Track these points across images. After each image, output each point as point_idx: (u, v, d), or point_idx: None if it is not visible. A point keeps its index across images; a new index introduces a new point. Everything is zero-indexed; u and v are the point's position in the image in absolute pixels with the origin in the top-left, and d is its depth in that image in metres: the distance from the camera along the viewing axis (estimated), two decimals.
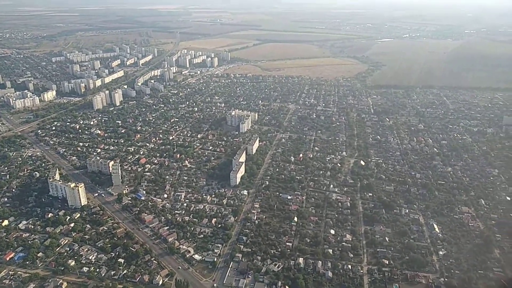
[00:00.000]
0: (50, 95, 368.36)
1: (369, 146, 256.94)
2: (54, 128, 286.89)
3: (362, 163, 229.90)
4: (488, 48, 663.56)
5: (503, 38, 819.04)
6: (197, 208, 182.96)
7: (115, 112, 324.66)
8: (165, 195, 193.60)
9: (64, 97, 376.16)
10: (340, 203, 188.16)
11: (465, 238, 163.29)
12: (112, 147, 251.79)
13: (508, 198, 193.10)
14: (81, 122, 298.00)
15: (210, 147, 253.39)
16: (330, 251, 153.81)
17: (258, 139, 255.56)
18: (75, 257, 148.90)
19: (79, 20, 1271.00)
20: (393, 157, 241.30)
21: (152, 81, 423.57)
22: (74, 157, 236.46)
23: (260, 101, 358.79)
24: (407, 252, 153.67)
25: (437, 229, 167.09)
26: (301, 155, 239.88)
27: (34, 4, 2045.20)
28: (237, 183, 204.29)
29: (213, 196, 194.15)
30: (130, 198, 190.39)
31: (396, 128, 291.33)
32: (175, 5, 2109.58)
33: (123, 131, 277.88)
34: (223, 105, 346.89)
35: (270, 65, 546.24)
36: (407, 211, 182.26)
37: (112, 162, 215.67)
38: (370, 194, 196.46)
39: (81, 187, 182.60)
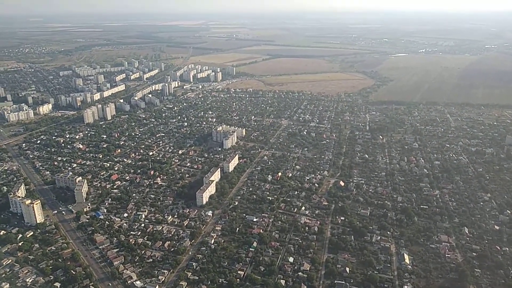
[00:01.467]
0: (45, 109, 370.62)
1: (354, 165, 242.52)
2: (39, 141, 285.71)
3: (342, 183, 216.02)
4: (506, 64, 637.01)
5: None
6: (154, 229, 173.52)
7: (104, 126, 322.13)
8: (125, 214, 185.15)
9: (60, 110, 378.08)
10: (307, 227, 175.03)
11: (437, 272, 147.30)
12: (89, 162, 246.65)
13: (497, 227, 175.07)
14: (67, 136, 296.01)
15: (188, 164, 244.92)
16: (283, 282, 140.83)
17: (237, 156, 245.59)
18: (11, 280, 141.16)
19: (100, 35, 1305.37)
20: (377, 177, 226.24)
21: (150, 95, 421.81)
22: (48, 172, 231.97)
23: (253, 117, 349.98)
24: (368, 285, 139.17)
25: (407, 260, 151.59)
26: (279, 174, 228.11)
27: (63, 21, 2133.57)
28: (204, 203, 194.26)
29: (175, 216, 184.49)
30: (88, 217, 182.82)
31: (389, 146, 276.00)
32: (196, 21, 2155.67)
33: (104, 145, 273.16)
34: (214, 120, 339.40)
35: (275, 80, 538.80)
36: (379, 238, 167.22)
37: (79, 178, 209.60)
38: (343, 218, 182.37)
39: (36, 204, 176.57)
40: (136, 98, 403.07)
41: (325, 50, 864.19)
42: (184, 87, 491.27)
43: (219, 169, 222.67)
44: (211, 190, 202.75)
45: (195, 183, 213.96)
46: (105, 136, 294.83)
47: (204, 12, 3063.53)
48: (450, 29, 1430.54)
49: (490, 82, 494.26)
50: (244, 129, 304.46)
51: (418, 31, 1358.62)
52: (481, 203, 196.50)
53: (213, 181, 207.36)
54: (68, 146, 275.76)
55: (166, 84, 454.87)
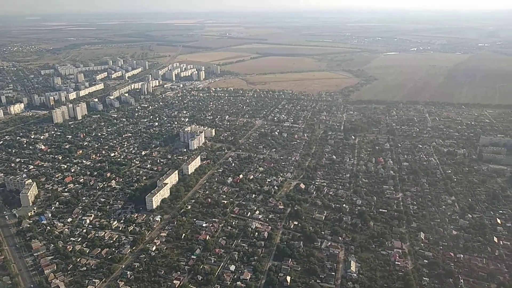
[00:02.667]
0: (17, 108, 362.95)
1: (320, 167, 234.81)
2: (1, 142, 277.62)
3: (302, 186, 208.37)
4: (494, 63, 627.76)
5: None
6: (96, 235, 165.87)
7: (72, 126, 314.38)
8: (70, 219, 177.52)
9: (33, 110, 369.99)
10: (257, 233, 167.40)
11: (383, 280, 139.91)
12: (47, 164, 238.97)
13: (455, 232, 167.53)
14: (32, 137, 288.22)
15: (148, 166, 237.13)
16: None
17: (199, 157, 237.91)
18: None
19: (93, 34, 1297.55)
20: (340, 180, 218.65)
21: (127, 94, 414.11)
22: (2, 174, 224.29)
23: (228, 116, 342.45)
24: None
25: (353, 268, 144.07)
26: (240, 176, 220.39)
27: (60, 19, 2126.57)
28: (154, 207, 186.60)
29: (121, 221, 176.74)
30: (31, 222, 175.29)
31: (359, 147, 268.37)
32: (193, 20, 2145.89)
33: (67, 146, 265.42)
34: (187, 120, 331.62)
35: (258, 78, 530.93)
36: (329, 244, 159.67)
37: (28, 181, 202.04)
38: (296, 223, 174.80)
39: None
40: (112, 97, 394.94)
41: (316, 49, 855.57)
42: (165, 86, 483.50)
43: (176, 172, 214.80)
44: (164, 193, 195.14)
45: (150, 186, 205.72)
46: (70, 137, 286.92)
47: (204, 11, 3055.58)
48: (446, 27, 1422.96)
49: (476, 81, 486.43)
50: (214, 129, 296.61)
51: (414, 30, 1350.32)
52: (444, 206, 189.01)
53: (167, 184, 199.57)
54: (30, 147, 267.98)
55: (144, 83, 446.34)
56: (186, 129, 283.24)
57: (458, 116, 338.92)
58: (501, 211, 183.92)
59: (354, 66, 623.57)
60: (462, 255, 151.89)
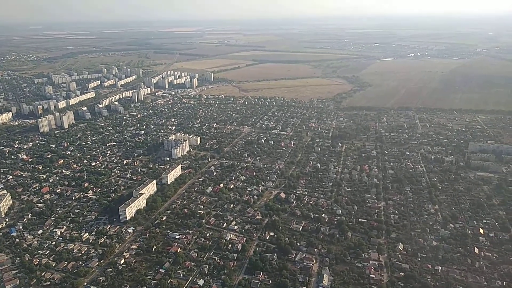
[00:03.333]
0: (5, 117, 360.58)
1: (303, 175, 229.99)
2: None
3: (283, 195, 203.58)
4: (490, 68, 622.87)
5: None
6: (65, 248, 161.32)
7: (58, 135, 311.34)
8: (40, 231, 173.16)
9: (21, 119, 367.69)
10: (231, 245, 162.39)
11: None
12: (26, 174, 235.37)
13: (435, 243, 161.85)
14: (15, 146, 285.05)
15: (128, 175, 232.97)
16: None
17: (180, 166, 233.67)
18: None
19: (92, 42, 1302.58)
20: (322, 188, 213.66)
21: (116, 102, 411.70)
22: None
23: (216, 124, 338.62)
24: None
25: (325, 281, 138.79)
26: (221, 185, 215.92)
27: (62, 28, 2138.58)
28: (128, 218, 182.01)
29: (92, 233, 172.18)
30: (0, 234, 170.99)
31: (345, 154, 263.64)
32: (193, 28, 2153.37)
33: (49, 156, 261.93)
34: (174, 128, 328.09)
35: (251, 85, 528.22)
36: (304, 256, 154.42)
37: (2, 192, 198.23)
38: (272, 234, 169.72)
39: None
40: (101, 105, 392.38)
41: (313, 55, 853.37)
42: (156, 93, 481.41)
43: (154, 181, 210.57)
44: (140, 204, 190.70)
45: (127, 197, 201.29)
46: (54, 146, 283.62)
47: (206, 19, 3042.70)
48: (446, 33, 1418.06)
49: (470, 86, 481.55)
50: (199, 137, 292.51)
51: (413, 36, 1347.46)
52: (426, 216, 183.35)
53: (143, 194, 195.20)
54: (12, 157, 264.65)
55: (135, 91, 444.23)
56: (170, 138, 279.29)
57: (449, 122, 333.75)
58: (485, 221, 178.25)
59: (349, 72, 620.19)
60: (440, 267, 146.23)
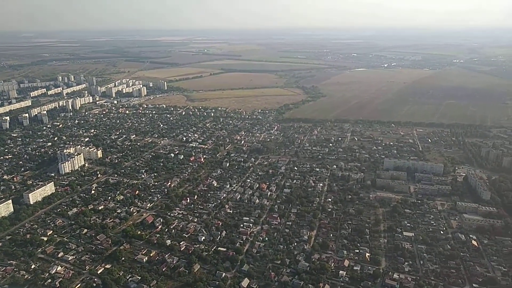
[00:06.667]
0: None
1: (190, 194, 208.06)
2: None
3: (149, 219, 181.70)
4: (455, 80, 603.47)
5: (487, 68, 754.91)
6: None
7: None
8: None
9: None
10: (50, 280, 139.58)
11: None
12: None
13: (287, 278, 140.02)
14: None
15: None
16: None
17: (52, 183, 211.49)
18: None
19: (72, 50, 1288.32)
20: (202, 210, 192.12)
21: (45, 111, 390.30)
22: None
23: (134, 136, 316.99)
24: None
25: None
26: (89, 207, 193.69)
27: (53, 36, 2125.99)
28: None
29: None
30: None
31: (252, 171, 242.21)
32: (183, 37, 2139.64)
33: None
34: (86, 140, 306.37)
35: (202, 95, 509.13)
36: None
37: None
38: (109, 266, 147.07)
39: None
40: (25, 114, 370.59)
41: (284, 65, 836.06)
42: (98, 102, 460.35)
43: (9, 201, 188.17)
44: None
45: None
46: None
47: (207, 28, 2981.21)
48: (429, 43, 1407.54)
49: (424, 98, 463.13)
50: (101, 150, 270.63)
51: (395, 46, 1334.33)
52: (295, 243, 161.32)
53: None
54: None
55: (72, 100, 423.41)
56: (65, 151, 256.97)
57: (381, 135, 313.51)
58: (357, 250, 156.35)
59: (312, 82, 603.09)
60: None
